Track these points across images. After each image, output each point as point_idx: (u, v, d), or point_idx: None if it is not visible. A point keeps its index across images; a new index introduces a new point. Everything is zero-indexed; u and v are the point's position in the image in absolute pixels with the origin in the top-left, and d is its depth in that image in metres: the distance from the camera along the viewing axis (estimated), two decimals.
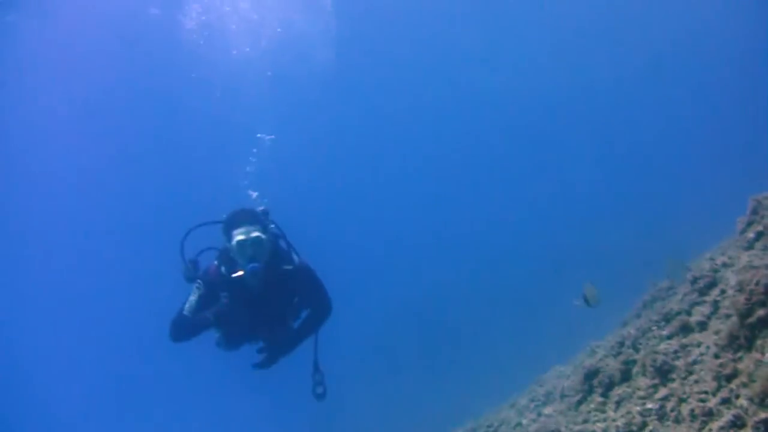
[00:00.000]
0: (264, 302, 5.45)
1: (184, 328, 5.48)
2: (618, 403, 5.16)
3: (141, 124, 22.70)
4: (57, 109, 21.31)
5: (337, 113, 24.18)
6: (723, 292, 5.27)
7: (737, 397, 3.91)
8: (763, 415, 3.55)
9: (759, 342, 4.05)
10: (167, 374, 21.28)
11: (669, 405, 4.47)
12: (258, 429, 19.35)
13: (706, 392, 4.19)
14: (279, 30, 14.69)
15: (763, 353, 3.95)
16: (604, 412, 5.23)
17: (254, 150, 11.18)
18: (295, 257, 5.68)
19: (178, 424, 20.95)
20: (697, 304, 5.47)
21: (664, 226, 14.56)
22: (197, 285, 5.46)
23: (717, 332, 4.67)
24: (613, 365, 5.57)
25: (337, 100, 23.60)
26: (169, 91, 20.54)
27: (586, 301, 5.09)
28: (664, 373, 4.82)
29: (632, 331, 5.94)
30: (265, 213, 5.57)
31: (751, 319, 4.12)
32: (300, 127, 20.34)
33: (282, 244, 5.69)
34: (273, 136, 11.71)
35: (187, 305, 5.40)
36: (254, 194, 7.42)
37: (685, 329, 5.23)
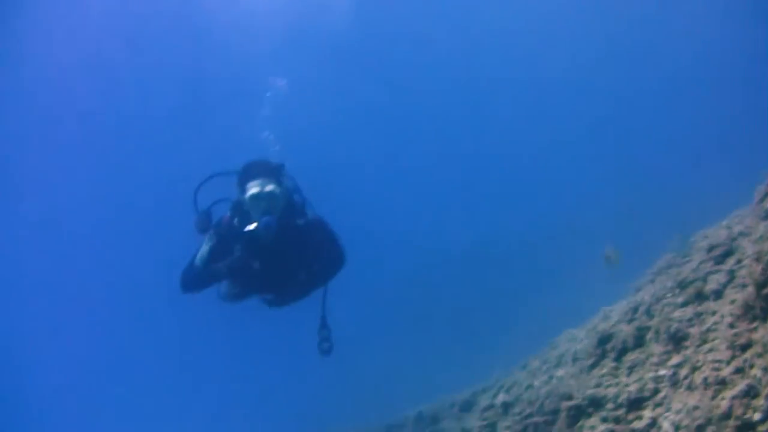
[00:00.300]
0: (276, 256, 5.42)
1: (194, 279, 5.50)
2: (631, 369, 5.22)
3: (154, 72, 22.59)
4: (72, 60, 21.21)
5: (353, 62, 23.83)
6: (739, 261, 5.28)
7: (751, 367, 3.95)
8: None
9: None
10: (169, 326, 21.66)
11: (682, 372, 4.52)
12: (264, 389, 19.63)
13: (719, 361, 4.23)
14: None
15: None
16: (616, 377, 5.30)
17: (267, 94, 11.10)
18: (309, 212, 5.66)
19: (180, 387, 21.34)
20: (713, 272, 5.49)
21: (682, 193, 14.46)
22: (209, 236, 5.45)
23: (732, 301, 4.69)
24: (626, 331, 5.62)
25: (353, 48, 23.25)
26: (181, 36, 20.47)
27: (608, 261, 5.16)
28: (677, 341, 4.87)
29: (646, 297, 5.98)
30: (281, 167, 5.51)
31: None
32: (315, 74, 20.17)
33: (296, 198, 5.65)
34: (285, 81, 11.62)
35: (198, 256, 5.43)
36: (276, 147, 7.38)
37: (700, 297, 5.26)
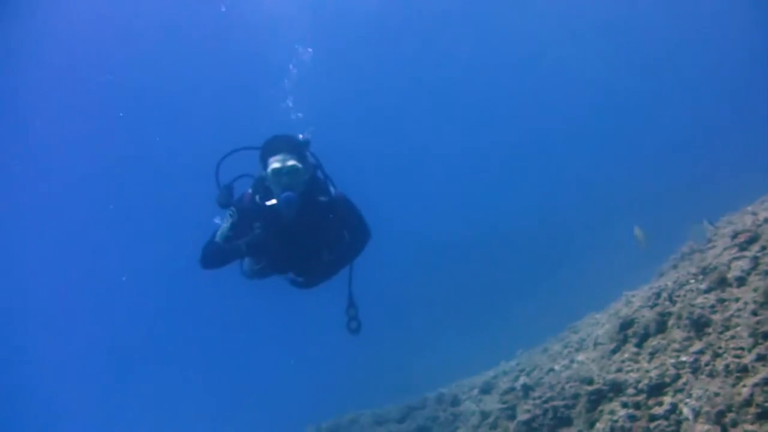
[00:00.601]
0: (298, 233, 5.38)
1: (215, 255, 5.47)
2: (652, 355, 5.22)
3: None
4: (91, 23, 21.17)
5: (380, 32, 23.64)
6: (764, 248, 5.24)
7: None
8: None
9: None
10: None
11: (704, 359, 4.53)
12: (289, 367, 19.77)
13: (741, 348, 4.24)
14: None
15: None
16: (637, 362, 5.31)
17: (291, 67, 11.07)
18: (331, 189, 5.59)
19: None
20: (737, 258, 5.46)
21: (708, 177, 14.32)
22: (230, 212, 5.39)
23: (755, 289, 4.68)
24: (648, 316, 5.61)
25: (381, 23, 23.13)
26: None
27: (636, 242, 5.21)
28: (699, 327, 4.86)
29: (669, 283, 5.96)
30: (306, 142, 5.45)
31: None
32: (341, 44, 20.02)
33: (319, 174, 5.60)
34: (311, 50, 11.58)
35: (219, 232, 5.38)
36: (311, 127, 7.37)
37: (723, 284, 5.24)
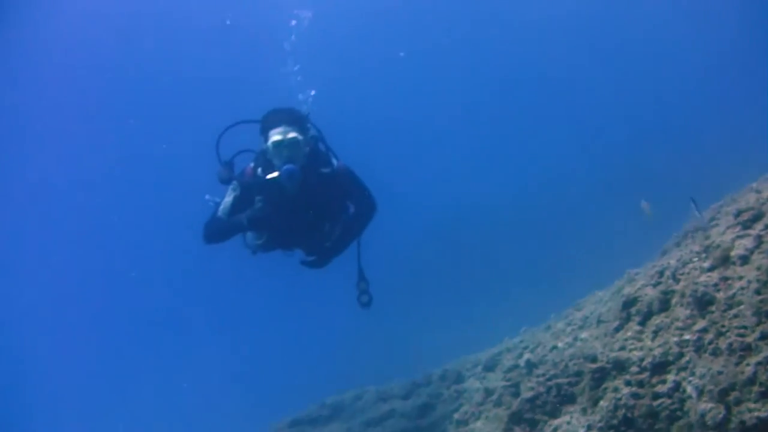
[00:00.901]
0: (300, 206, 5.39)
1: (217, 230, 5.50)
2: (655, 333, 5.25)
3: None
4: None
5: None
6: (767, 227, 5.25)
7: None
8: None
9: None
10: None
11: (707, 337, 4.55)
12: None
13: (745, 327, 4.26)
14: None
15: None
16: (641, 340, 5.34)
17: (293, 22, 10.97)
18: (334, 160, 5.58)
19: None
20: (740, 237, 5.46)
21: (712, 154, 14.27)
22: (233, 186, 5.42)
23: (759, 267, 4.69)
24: (651, 294, 5.64)
25: None
26: None
27: (643, 215, 5.25)
28: (703, 306, 4.88)
29: (672, 262, 5.97)
30: (306, 115, 5.44)
31: None
32: (343, 9, 19.70)
33: (321, 146, 5.59)
34: (311, 14, 11.48)
35: (221, 207, 5.40)
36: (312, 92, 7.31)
37: (727, 262, 5.25)
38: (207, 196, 5.71)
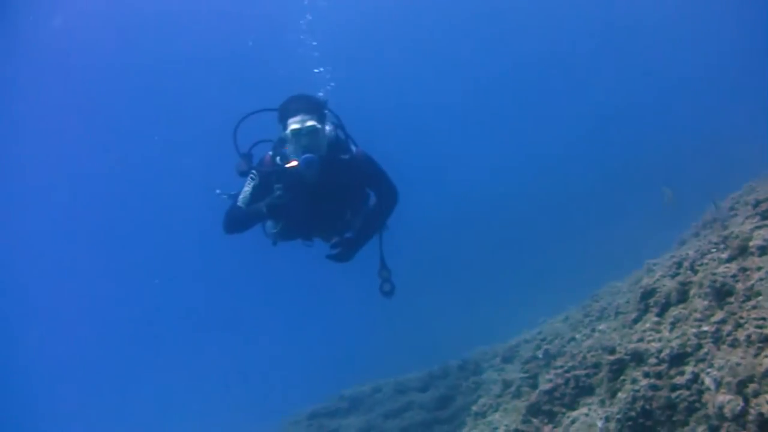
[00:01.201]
0: (320, 194, 5.37)
1: (237, 219, 5.52)
2: (673, 324, 5.24)
3: None
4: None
5: None
6: None
7: None
8: None
9: None
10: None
11: (725, 329, 4.54)
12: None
13: (764, 319, 4.24)
14: None
15: None
16: (659, 332, 5.33)
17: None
18: (353, 147, 5.56)
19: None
20: (759, 227, 5.43)
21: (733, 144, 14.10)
22: (252, 176, 5.39)
23: None
24: (670, 285, 5.62)
25: None
26: None
27: (664, 202, 5.24)
28: (721, 297, 4.86)
29: (691, 252, 5.95)
30: (324, 101, 5.42)
31: None
32: None
33: (339, 133, 5.56)
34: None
35: (241, 196, 5.39)
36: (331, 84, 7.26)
37: (745, 253, 5.21)
38: (218, 191, 5.75)
